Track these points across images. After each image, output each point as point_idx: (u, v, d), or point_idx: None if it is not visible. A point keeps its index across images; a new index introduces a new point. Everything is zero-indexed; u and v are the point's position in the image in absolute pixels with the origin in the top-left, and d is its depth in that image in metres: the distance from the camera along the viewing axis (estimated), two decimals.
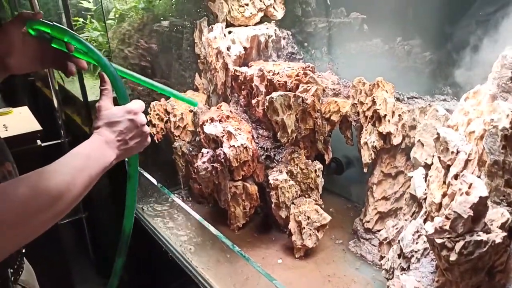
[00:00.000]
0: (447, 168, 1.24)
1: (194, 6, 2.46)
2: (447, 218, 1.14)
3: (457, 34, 1.99)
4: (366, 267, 1.84)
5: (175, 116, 2.29)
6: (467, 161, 1.19)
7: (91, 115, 2.93)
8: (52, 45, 1.10)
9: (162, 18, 2.55)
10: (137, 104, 1.06)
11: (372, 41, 2.58)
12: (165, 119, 2.34)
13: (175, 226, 2.15)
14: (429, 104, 1.57)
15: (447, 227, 1.13)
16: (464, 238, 1.09)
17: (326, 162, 2.03)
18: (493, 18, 1.76)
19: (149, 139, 1.11)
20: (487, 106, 1.26)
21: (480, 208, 1.07)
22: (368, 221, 1.93)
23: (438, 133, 1.22)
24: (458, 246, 1.09)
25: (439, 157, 1.24)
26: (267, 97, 1.76)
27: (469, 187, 1.11)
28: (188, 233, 2.03)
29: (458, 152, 1.21)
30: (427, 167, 1.60)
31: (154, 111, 2.32)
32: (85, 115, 3.00)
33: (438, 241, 1.15)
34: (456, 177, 1.21)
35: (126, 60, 2.95)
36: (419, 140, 1.60)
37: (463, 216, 1.07)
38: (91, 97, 2.86)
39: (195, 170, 2.02)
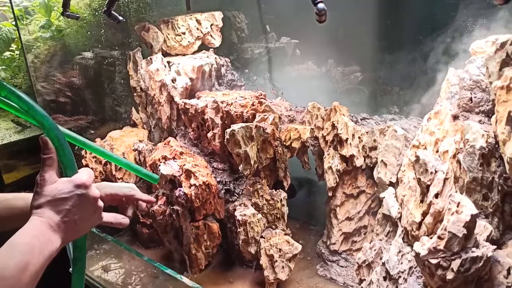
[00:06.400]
0: (426, 188, 1.29)
1: (124, 36, 2.28)
2: (440, 238, 1.18)
3: (391, 55, 2.14)
4: None
5: None
6: (445, 180, 1.26)
7: None
8: None
9: (89, 50, 2.31)
10: (87, 174, 0.88)
11: (306, 64, 2.67)
12: (103, 161, 2.10)
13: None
14: (387, 126, 1.64)
15: (441, 247, 1.16)
16: (460, 256, 1.13)
17: (285, 189, 2.00)
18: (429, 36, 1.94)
19: (102, 215, 0.93)
20: (451, 126, 1.35)
21: (471, 225, 1.12)
22: (334, 243, 1.94)
23: (417, 156, 1.26)
24: (455, 264, 1.13)
25: (419, 179, 1.29)
26: (228, 130, 1.68)
27: (458, 206, 1.16)
28: None
29: (436, 172, 1.27)
30: (392, 185, 1.66)
31: (90, 153, 2.07)
32: None
33: (433, 261, 1.17)
34: (436, 196, 1.27)
35: (39, 96, 2.62)
36: (382, 160, 1.66)
37: (458, 235, 1.11)
38: None
39: (150, 215, 1.83)
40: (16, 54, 3.11)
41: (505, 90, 1.06)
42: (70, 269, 0.95)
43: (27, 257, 0.71)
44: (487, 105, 1.29)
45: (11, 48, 3.10)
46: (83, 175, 0.87)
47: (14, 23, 2.89)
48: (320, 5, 1.10)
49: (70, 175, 0.87)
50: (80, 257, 0.95)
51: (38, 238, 0.76)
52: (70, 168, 0.88)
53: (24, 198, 1.00)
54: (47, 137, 0.86)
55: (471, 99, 1.30)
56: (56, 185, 0.83)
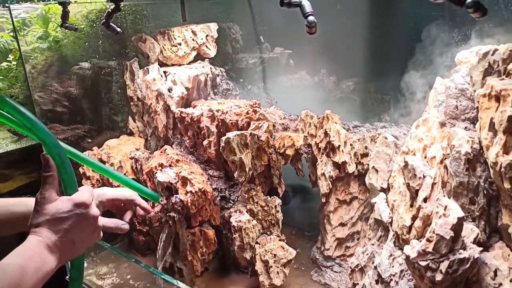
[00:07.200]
0: (415, 192, 1.34)
1: (121, 47, 2.32)
2: (428, 240, 1.22)
3: (382, 65, 2.20)
4: None
5: (112, 165, 2.10)
6: (433, 185, 1.30)
7: None
8: None
9: (86, 60, 2.35)
10: (87, 193, 0.88)
11: (299, 74, 2.72)
12: None
13: None
14: (378, 133, 1.68)
15: (430, 249, 1.20)
16: (448, 258, 1.17)
17: (280, 196, 2.04)
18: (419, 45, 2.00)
19: (101, 234, 0.93)
20: (438, 132, 1.41)
21: (458, 227, 1.17)
22: (328, 249, 1.97)
23: (406, 161, 1.31)
24: (444, 266, 1.17)
25: (408, 183, 1.33)
26: (223, 138, 1.72)
27: (445, 209, 1.20)
28: None
29: (424, 177, 1.31)
30: (383, 191, 1.70)
31: None
32: None
33: (422, 263, 1.21)
34: (425, 200, 1.31)
35: (37, 106, 2.65)
36: (373, 167, 1.71)
37: (446, 237, 1.16)
38: None
39: (147, 222, 1.86)
40: (13, 65, 3.14)
41: (487, 98, 1.12)
42: (67, 277, 0.97)
43: (19, 279, 0.70)
44: (472, 113, 1.34)
45: (8, 59, 3.13)
46: (84, 194, 0.88)
47: (12, 34, 2.93)
48: (310, 18, 1.15)
49: (70, 194, 0.88)
50: (77, 276, 0.95)
51: (33, 258, 0.75)
52: (70, 186, 0.89)
53: (25, 203, 1.01)
54: (48, 154, 0.86)
55: (456, 106, 1.36)
56: (56, 203, 0.83)
